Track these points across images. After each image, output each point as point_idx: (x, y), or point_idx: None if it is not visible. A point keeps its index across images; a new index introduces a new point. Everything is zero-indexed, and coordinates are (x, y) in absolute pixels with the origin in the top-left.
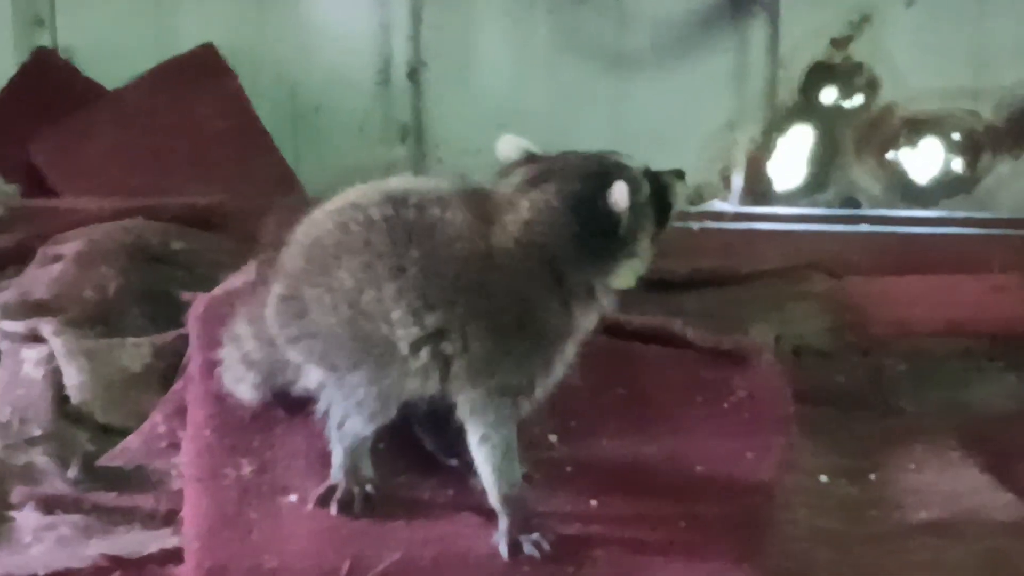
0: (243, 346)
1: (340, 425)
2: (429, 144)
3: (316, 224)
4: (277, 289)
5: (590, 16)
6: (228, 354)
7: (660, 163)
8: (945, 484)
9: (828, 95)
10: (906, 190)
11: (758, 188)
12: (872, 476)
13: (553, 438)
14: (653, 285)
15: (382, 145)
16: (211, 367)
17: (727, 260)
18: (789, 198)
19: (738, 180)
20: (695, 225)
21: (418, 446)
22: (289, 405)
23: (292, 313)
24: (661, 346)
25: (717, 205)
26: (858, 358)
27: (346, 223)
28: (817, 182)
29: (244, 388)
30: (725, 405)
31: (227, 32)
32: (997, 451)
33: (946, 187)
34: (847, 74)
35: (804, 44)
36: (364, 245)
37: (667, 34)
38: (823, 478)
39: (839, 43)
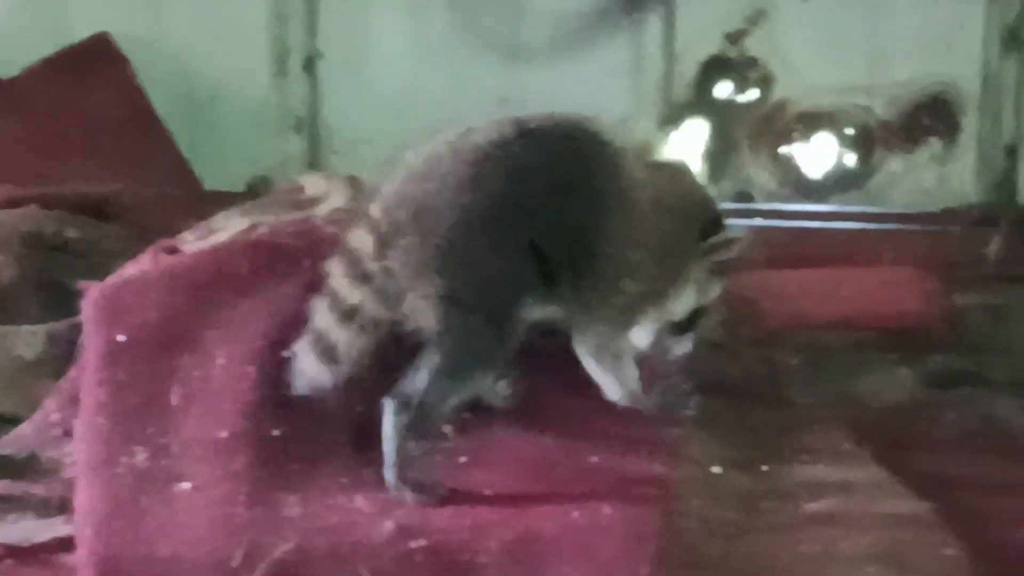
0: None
1: (454, 375)
2: (324, 135)
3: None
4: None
5: (487, 8)
6: (305, 348)
7: None
8: (837, 475)
9: (723, 89)
10: (799, 184)
11: None
12: (765, 467)
13: (448, 429)
14: None
15: (277, 135)
16: (106, 355)
17: None
18: None
19: None
20: None
21: (313, 433)
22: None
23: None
24: (557, 339)
25: None
26: (752, 351)
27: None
28: (711, 176)
29: (324, 376)
30: None
31: (122, 21)
32: (889, 443)
33: (839, 182)
34: (742, 69)
35: (699, 38)
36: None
37: (563, 27)
38: (716, 469)
39: (734, 38)
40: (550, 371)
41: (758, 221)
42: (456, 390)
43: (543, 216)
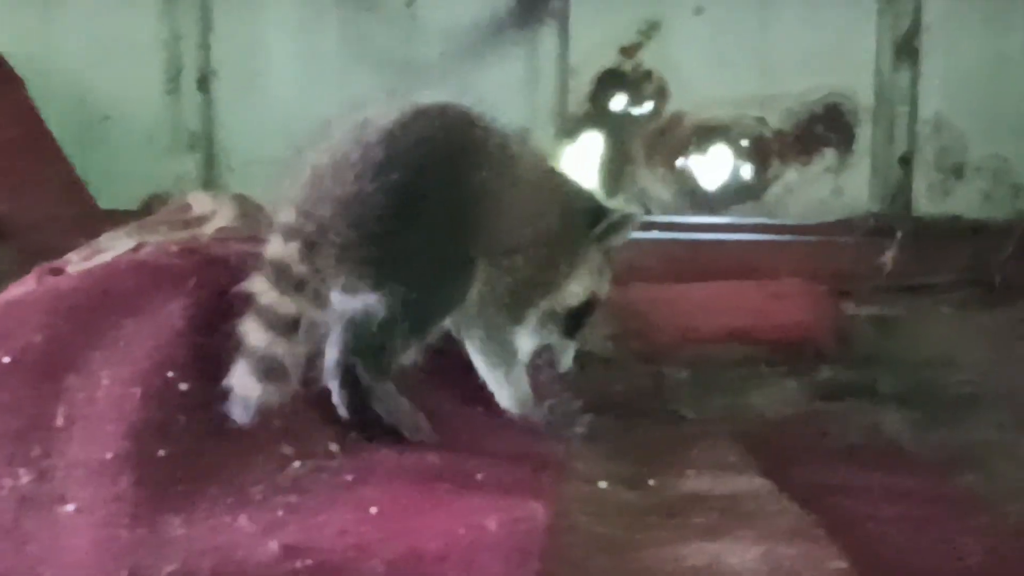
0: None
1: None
2: (219, 153)
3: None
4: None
5: (380, 25)
6: (243, 374)
7: None
8: (723, 489)
9: (618, 102)
10: (695, 196)
11: None
12: (651, 482)
13: (334, 447)
14: None
15: (172, 154)
16: None
17: None
18: None
19: None
20: None
21: (198, 453)
22: None
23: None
24: (443, 357)
25: None
26: (640, 365)
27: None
28: (608, 188)
29: (272, 395)
30: (507, 415)
31: (14, 40)
32: (775, 456)
33: (735, 194)
34: (636, 82)
35: (594, 52)
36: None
37: (457, 43)
38: (602, 484)
39: (628, 51)
40: (435, 388)
41: (655, 233)
42: (398, 341)
43: (452, 186)
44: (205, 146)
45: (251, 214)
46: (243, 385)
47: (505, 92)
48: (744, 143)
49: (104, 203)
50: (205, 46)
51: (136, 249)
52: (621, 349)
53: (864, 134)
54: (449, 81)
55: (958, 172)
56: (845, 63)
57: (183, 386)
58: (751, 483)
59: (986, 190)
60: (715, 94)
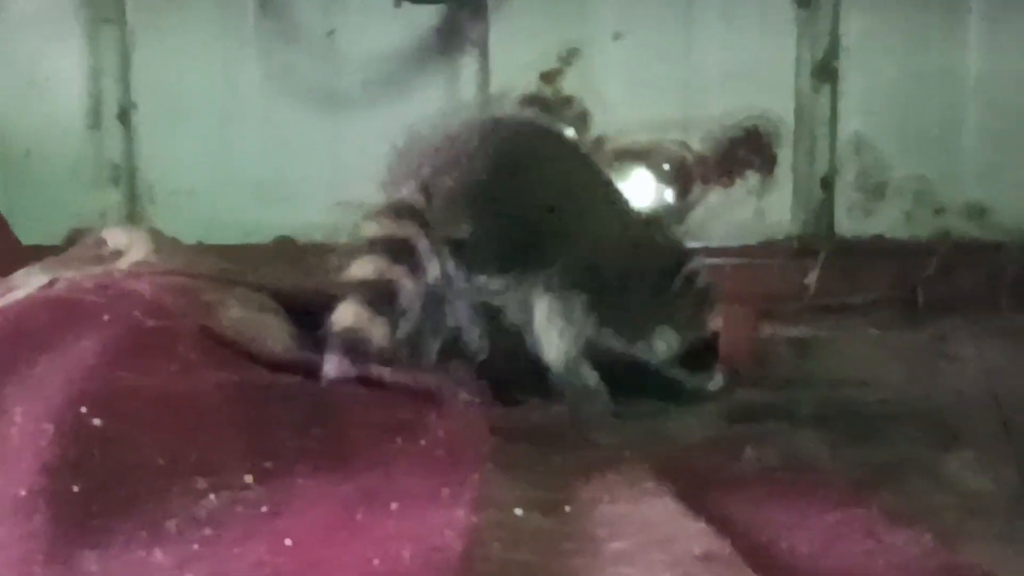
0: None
1: None
2: (142, 186)
3: None
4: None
5: (301, 56)
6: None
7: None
8: (639, 514)
9: None
10: None
11: None
12: (567, 508)
13: (249, 478)
14: None
15: (95, 188)
16: None
17: None
18: None
19: None
20: None
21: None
22: None
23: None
24: (358, 386)
25: None
26: (557, 391)
27: None
28: None
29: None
30: (422, 443)
31: None
32: (690, 480)
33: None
34: (557, 108)
35: (514, 79)
36: None
37: (378, 72)
38: (518, 512)
39: (549, 77)
40: (351, 417)
41: None
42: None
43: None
44: (128, 179)
45: (166, 249)
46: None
47: (427, 120)
48: (666, 167)
49: (28, 239)
50: (125, 79)
51: (50, 285)
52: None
53: (785, 156)
54: (371, 110)
55: (879, 192)
56: (765, 85)
57: (97, 421)
58: (666, 508)
59: (908, 210)
60: (636, 119)
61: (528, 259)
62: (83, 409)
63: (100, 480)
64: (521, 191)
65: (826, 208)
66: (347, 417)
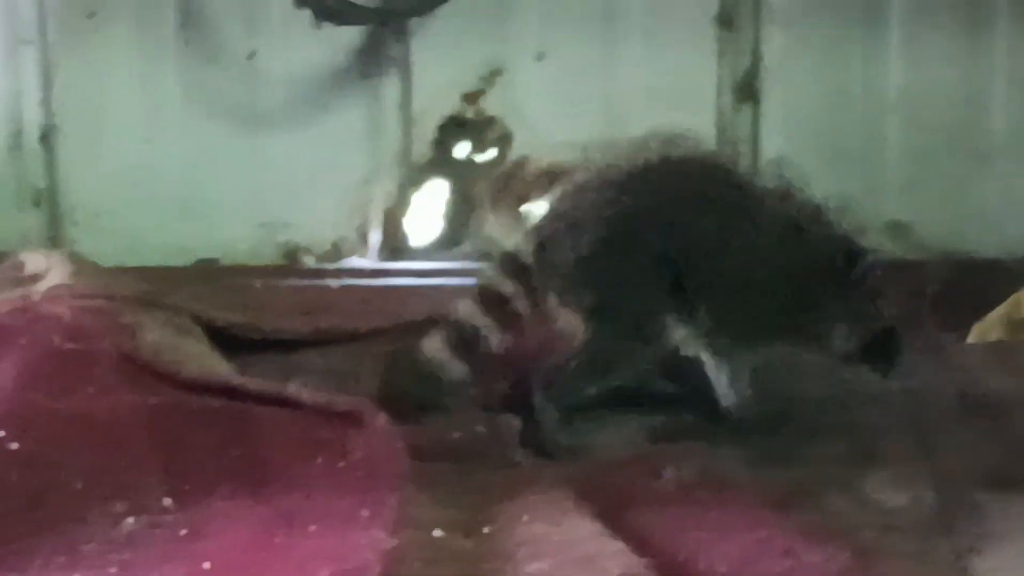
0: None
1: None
2: (64, 208)
3: None
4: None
5: (223, 76)
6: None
7: (298, 220)
8: (558, 534)
9: (461, 149)
10: None
11: (396, 244)
12: (486, 529)
13: (167, 501)
14: (270, 345)
15: (16, 210)
16: None
17: (365, 317)
18: (427, 253)
19: (376, 236)
20: (333, 283)
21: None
22: None
23: None
24: (278, 407)
25: (355, 261)
26: (477, 412)
27: None
28: (454, 236)
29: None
30: (341, 464)
31: None
32: (610, 499)
33: None
34: (480, 128)
35: (436, 99)
36: None
37: (300, 91)
38: (438, 532)
39: (471, 97)
40: (270, 439)
41: None
42: (594, 382)
43: (678, 238)
44: (50, 202)
45: (85, 271)
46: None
47: (348, 141)
48: None
49: None
50: (47, 101)
51: None
52: (457, 395)
53: None
54: (293, 131)
55: None
56: (687, 105)
57: (14, 445)
58: (585, 527)
59: None
60: (559, 138)
61: (672, 307)
62: (1, 432)
63: (18, 503)
64: (646, 248)
65: None
66: (266, 438)
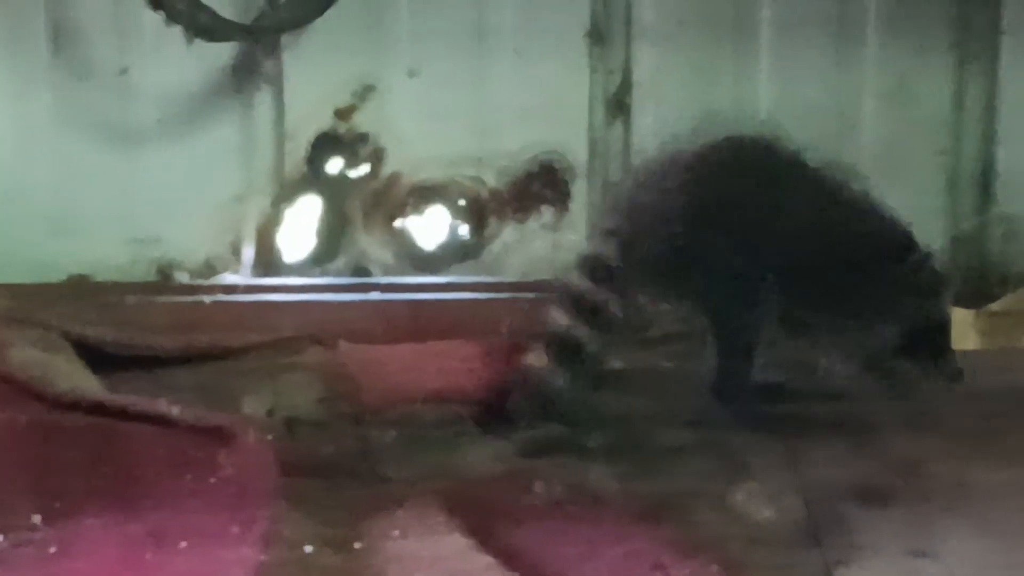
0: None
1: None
2: None
3: None
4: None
5: (94, 92)
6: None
7: (171, 236)
8: (428, 550)
9: (334, 165)
10: (415, 257)
11: (269, 260)
12: (357, 545)
13: (37, 519)
14: (141, 362)
15: None
16: None
17: (237, 333)
18: (300, 269)
19: (249, 252)
20: (207, 299)
21: None
22: None
23: None
24: (149, 424)
25: (228, 278)
26: (349, 428)
27: None
28: (327, 252)
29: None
30: (212, 481)
31: None
32: (479, 514)
33: (454, 253)
34: (352, 144)
35: (309, 115)
36: None
37: (172, 108)
38: (308, 548)
39: (343, 113)
40: (140, 455)
41: (375, 295)
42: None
43: (755, 218)
44: None
45: None
46: (536, 358)
47: (221, 156)
48: (461, 203)
49: None
50: None
51: None
52: (330, 412)
53: (580, 190)
54: (165, 147)
55: None
56: (559, 121)
57: None
58: (455, 543)
59: None
60: (431, 155)
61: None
62: None
63: None
64: (719, 231)
65: None
66: (137, 455)
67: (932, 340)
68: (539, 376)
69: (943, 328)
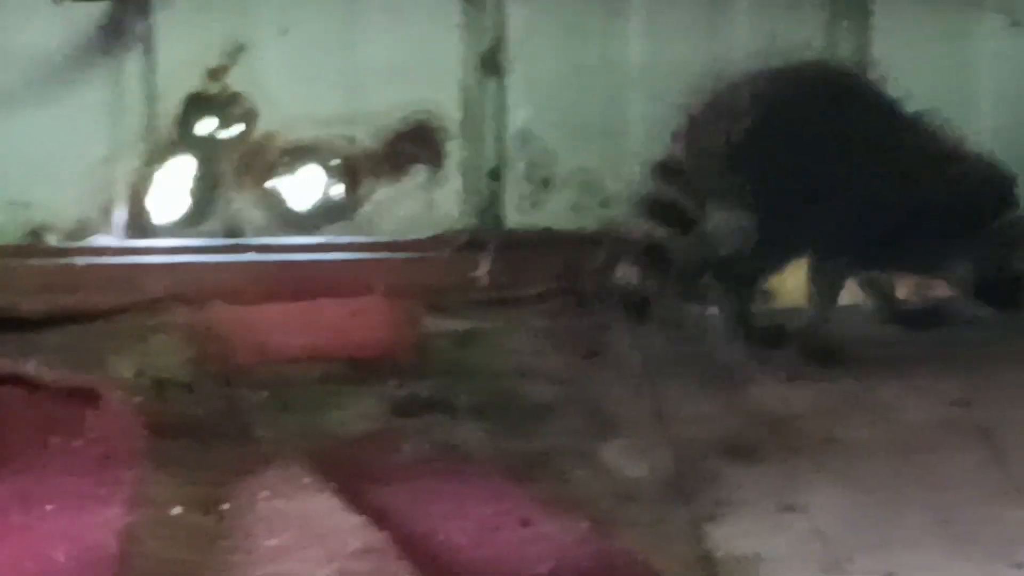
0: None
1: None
2: None
3: None
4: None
5: None
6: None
7: (41, 198)
8: (297, 510)
9: (206, 126)
10: (288, 217)
11: (141, 221)
12: (225, 506)
13: None
14: (7, 324)
15: None
16: None
17: (106, 295)
18: (173, 230)
19: (120, 214)
20: (78, 261)
21: None
22: None
23: None
24: (14, 386)
25: (100, 240)
26: (218, 388)
27: None
28: (200, 213)
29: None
30: (78, 443)
31: None
32: (349, 474)
33: (327, 213)
34: (224, 104)
35: (180, 75)
36: None
37: (41, 69)
38: (176, 510)
39: (215, 74)
40: (4, 418)
41: (250, 256)
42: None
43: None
44: None
45: None
46: (625, 274)
47: (90, 118)
48: (334, 162)
49: None
50: None
51: None
52: (199, 372)
53: (454, 149)
54: (34, 109)
55: (547, 184)
56: (431, 79)
57: None
58: (324, 502)
59: (575, 201)
60: (304, 114)
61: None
62: None
63: None
64: (790, 144)
65: (495, 201)
66: (2, 418)
67: (1007, 289)
68: (632, 287)
69: (1020, 279)
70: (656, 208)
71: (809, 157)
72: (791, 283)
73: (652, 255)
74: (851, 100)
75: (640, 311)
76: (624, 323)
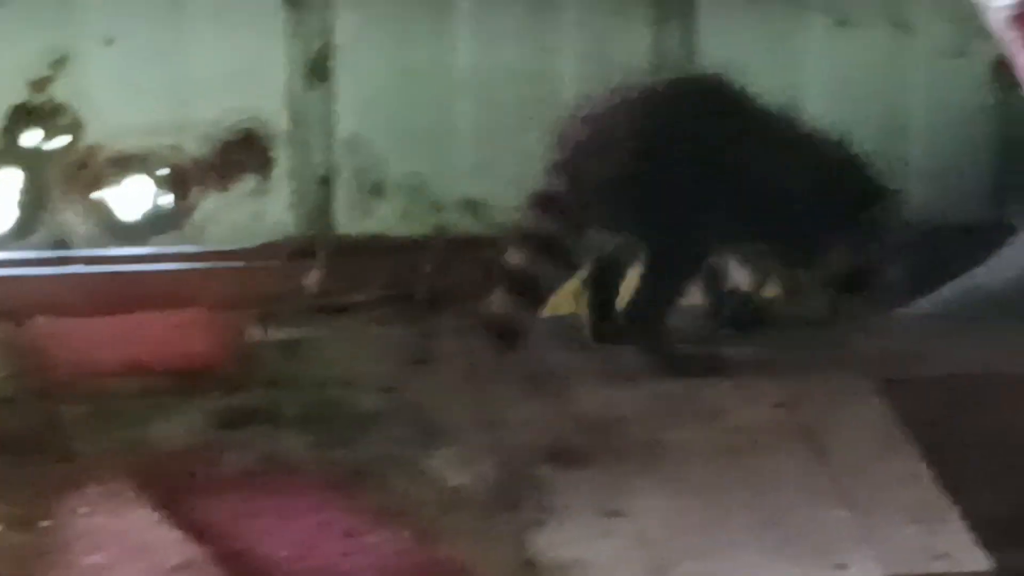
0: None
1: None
2: None
3: None
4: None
5: None
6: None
7: None
8: (116, 525)
9: (31, 138)
10: (116, 229)
11: None
12: (44, 523)
13: None
14: None
15: None
16: None
17: None
18: None
19: None
20: None
21: None
22: None
23: None
24: None
25: None
26: (36, 403)
27: None
28: (27, 226)
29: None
30: None
31: None
32: (170, 487)
33: (156, 223)
34: (49, 116)
35: (3, 87)
36: None
37: None
38: None
39: (38, 85)
40: None
41: (76, 268)
42: (664, 295)
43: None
44: None
45: None
46: (498, 303)
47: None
48: (162, 172)
49: None
50: None
51: None
52: (17, 388)
53: (282, 157)
54: None
55: (377, 191)
56: (257, 88)
57: None
58: (145, 517)
59: (405, 207)
60: (131, 124)
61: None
62: None
63: None
64: (674, 163)
65: (325, 208)
66: None
67: (866, 280)
68: (504, 318)
69: (878, 271)
70: (533, 240)
71: (693, 171)
72: (561, 295)
73: (526, 285)
74: (724, 107)
75: (510, 341)
76: (454, 332)
